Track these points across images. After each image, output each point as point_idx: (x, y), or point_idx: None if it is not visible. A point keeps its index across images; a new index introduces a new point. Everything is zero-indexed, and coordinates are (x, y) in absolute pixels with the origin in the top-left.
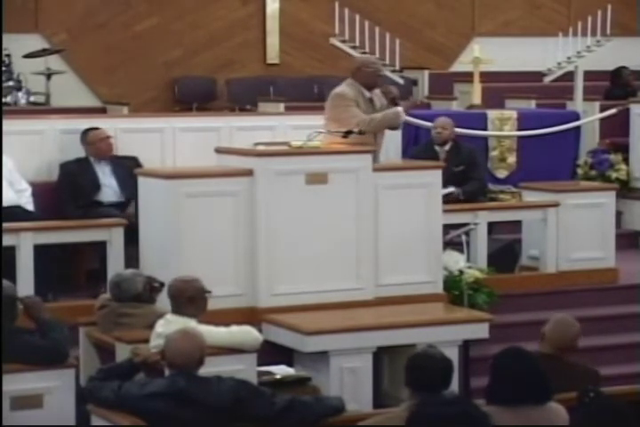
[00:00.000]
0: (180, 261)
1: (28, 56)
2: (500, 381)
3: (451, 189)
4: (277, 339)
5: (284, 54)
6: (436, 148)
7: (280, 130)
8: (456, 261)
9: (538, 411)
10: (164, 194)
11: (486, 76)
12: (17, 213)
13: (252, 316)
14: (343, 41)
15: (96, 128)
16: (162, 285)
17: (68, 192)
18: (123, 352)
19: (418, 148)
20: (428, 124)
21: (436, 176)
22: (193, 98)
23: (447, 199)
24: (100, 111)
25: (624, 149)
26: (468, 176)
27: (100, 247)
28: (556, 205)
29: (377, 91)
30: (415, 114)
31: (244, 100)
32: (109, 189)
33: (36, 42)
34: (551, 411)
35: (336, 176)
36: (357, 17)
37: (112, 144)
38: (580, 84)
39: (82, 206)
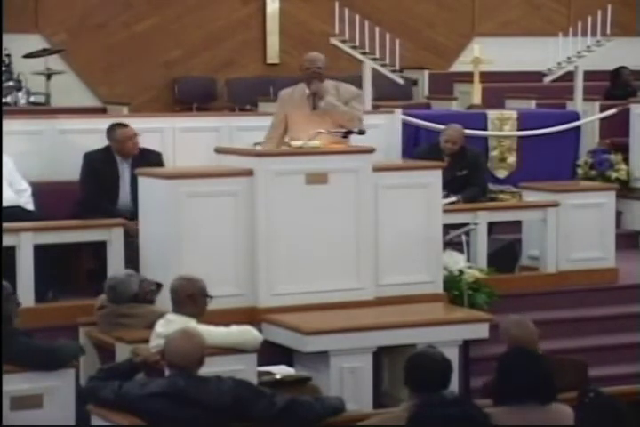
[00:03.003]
0: (180, 262)
1: (27, 56)
2: (505, 381)
3: (453, 199)
4: (277, 339)
5: (283, 54)
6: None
7: None
8: (456, 261)
9: (543, 411)
10: (164, 194)
11: (486, 76)
12: (17, 213)
13: (252, 316)
14: (343, 41)
15: (124, 124)
16: (159, 286)
17: (92, 184)
18: (123, 352)
19: (422, 148)
20: (428, 124)
21: (436, 176)
22: (193, 98)
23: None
24: (100, 111)
25: (624, 149)
26: (469, 181)
27: (100, 247)
28: (556, 205)
29: (342, 86)
30: (415, 114)
31: (244, 100)
32: (122, 198)
33: (36, 42)
34: (556, 411)
35: (336, 176)
36: (357, 17)
37: (137, 143)
38: (579, 84)
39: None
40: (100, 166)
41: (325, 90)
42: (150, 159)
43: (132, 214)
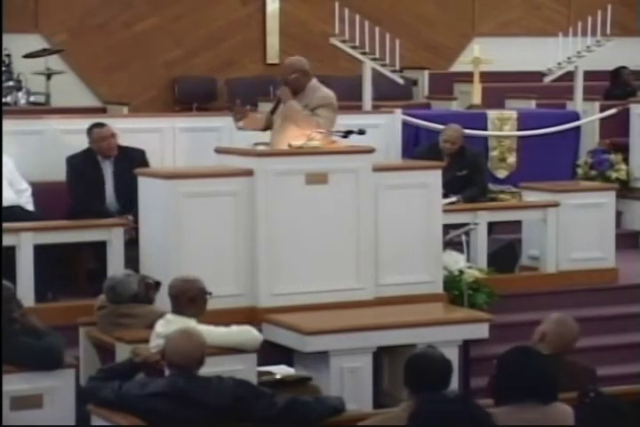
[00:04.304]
0: (180, 262)
1: (27, 56)
2: (506, 380)
3: (452, 199)
4: (277, 339)
5: (284, 54)
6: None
7: None
8: (456, 261)
9: (544, 411)
10: (164, 194)
11: (486, 76)
12: (17, 213)
13: (252, 316)
14: (343, 41)
15: (102, 124)
16: (157, 283)
17: (79, 186)
18: (123, 352)
19: (422, 148)
20: (428, 124)
21: (436, 176)
22: (193, 98)
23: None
24: (100, 111)
25: (624, 149)
26: (469, 181)
27: (100, 247)
28: (556, 205)
29: (318, 92)
30: (415, 114)
31: (244, 100)
32: (108, 198)
33: (36, 42)
34: (557, 411)
35: (336, 176)
36: (357, 17)
37: (115, 143)
38: (579, 84)
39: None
40: (83, 168)
41: (300, 96)
42: (133, 157)
43: (119, 213)
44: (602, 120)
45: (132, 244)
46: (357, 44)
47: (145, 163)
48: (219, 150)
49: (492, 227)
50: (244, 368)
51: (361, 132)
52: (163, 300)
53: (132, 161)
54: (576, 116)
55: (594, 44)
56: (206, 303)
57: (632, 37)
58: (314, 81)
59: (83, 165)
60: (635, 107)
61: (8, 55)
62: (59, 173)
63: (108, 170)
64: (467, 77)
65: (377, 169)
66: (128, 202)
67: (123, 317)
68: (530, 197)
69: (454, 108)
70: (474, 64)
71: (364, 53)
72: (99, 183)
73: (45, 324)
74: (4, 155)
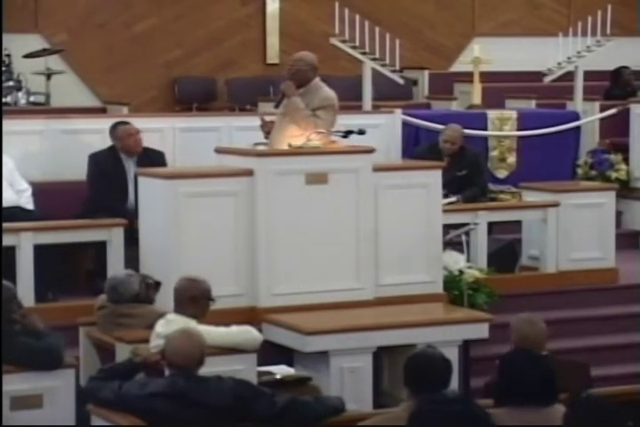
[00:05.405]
0: (180, 262)
1: (27, 56)
2: (507, 382)
3: (452, 199)
4: (277, 339)
5: (283, 54)
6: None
7: None
8: (456, 261)
9: (544, 413)
10: (164, 194)
11: (486, 76)
12: (17, 213)
13: (252, 316)
14: (343, 41)
15: (125, 122)
16: (158, 283)
17: (100, 184)
18: (123, 352)
19: (422, 148)
20: (428, 124)
21: (436, 176)
22: (193, 98)
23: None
24: (100, 111)
25: (624, 149)
26: (469, 181)
27: (100, 247)
28: (556, 205)
29: (320, 92)
30: (415, 114)
31: (244, 100)
32: (130, 197)
33: (36, 42)
34: (556, 413)
35: (336, 176)
36: (357, 17)
37: (140, 140)
38: (579, 84)
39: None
40: (106, 166)
41: (302, 93)
42: (154, 159)
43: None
44: (602, 120)
45: (132, 244)
46: (357, 44)
47: (164, 165)
48: (219, 150)
49: (492, 227)
50: (244, 368)
51: (361, 133)
52: (163, 300)
53: (152, 162)
54: (576, 116)
55: (594, 44)
56: (209, 306)
57: (632, 37)
58: (317, 80)
59: (106, 163)
60: (635, 107)
61: (8, 55)
62: (59, 173)
63: (130, 169)
64: (467, 77)
65: (377, 169)
66: None
67: (123, 317)
68: (530, 197)
69: (454, 108)
70: (474, 64)
71: (364, 53)
72: (122, 182)
73: (45, 324)
74: (4, 155)
